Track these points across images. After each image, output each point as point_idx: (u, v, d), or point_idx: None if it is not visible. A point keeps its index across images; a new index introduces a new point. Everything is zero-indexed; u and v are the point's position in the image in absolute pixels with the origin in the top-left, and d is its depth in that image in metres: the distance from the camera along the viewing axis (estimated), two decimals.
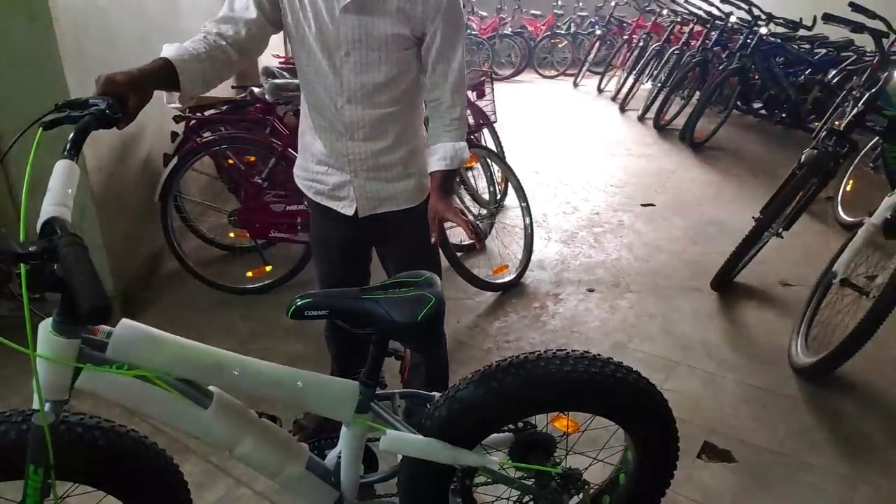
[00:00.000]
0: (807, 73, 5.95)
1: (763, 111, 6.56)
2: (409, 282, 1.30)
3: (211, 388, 1.29)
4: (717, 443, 2.21)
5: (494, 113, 3.76)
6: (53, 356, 1.12)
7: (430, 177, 1.67)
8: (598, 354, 1.43)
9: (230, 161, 3.24)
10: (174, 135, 3.47)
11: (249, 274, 3.15)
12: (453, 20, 1.58)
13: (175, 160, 3.02)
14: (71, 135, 1.12)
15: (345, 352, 1.98)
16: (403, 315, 1.23)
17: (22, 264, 0.96)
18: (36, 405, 1.17)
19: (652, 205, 4.44)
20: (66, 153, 1.10)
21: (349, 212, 1.74)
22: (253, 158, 3.21)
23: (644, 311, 3.07)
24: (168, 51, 1.40)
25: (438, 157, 1.64)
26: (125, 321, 1.19)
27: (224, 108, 3.36)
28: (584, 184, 4.86)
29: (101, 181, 2.82)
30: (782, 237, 3.08)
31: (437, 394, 1.47)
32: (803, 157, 2.99)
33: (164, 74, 1.35)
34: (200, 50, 1.43)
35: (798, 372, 2.58)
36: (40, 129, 1.11)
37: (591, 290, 3.26)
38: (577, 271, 3.47)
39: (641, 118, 6.82)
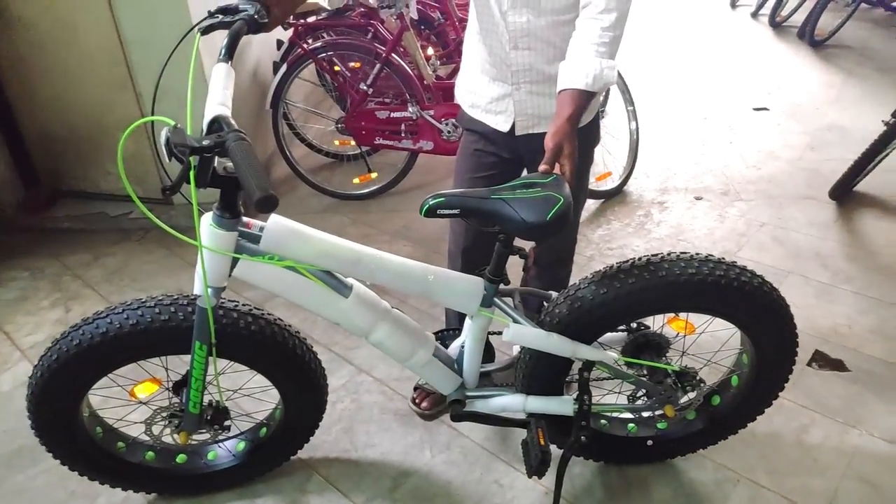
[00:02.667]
0: None
1: None
2: (538, 182, 1.31)
3: (349, 280, 1.40)
4: (828, 352, 2.18)
5: None
6: (215, 248, 1.24)
7: (559, 96, 1.33)
8: (722, 258, 1.43)
9: (336, 68, 3.28)
10: (279, 43, 3.54)
11: (356, 180, 3.26)
12: None
13: (284, 68, 3.09)
14: (225, 40, 1.19)
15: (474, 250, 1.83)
16: (533, 215, 1.24)
17: (192, 158, 1.06)
18: (197, 290, 1.32)
19: (766, 109, 4.19)
20: (222, 57, 1.18)
21: (504, 127, 1.60)
22: (359, 64, 3.23)
23: (755, 219, 2.97)
24: None
25: (577, 72, 1.31)
26: (275, 216, 1.29)
27: (326, 13, 3.38)
28: (691, 86, 4.62)
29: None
30: None
31: (554, 293, 1.52)
32: None
33: None
34: None
35: None
36: (199, 33, 1.18)
37: (698, 199, 3.17)
38: (684, 179, 3.37)
39: (755, 14, 6.30)
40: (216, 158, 1.11)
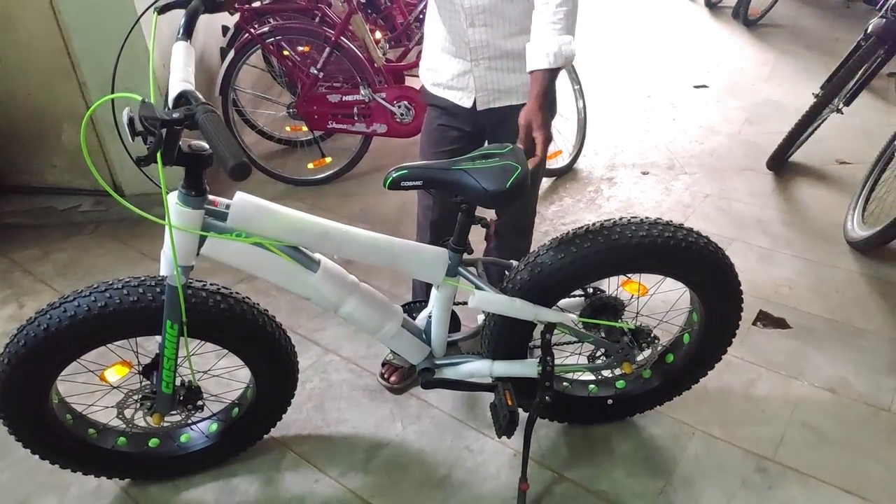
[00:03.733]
0: None
1: None
2: (495, 153, 1.37)
3: (316, 255, 1.42)
4: (771, 311, 2.31)
5: None
6: (183, 226, 1.26)
7: (530, 77, 1.44)
8: (671, 221, 1.51)
9: (285, 52, 3.26)
10: (224, 28, 3.49)
11: (311, 166, 3.25)
12: None
13: (232, 53, 3.06)
14: (182, 19, 1.20)
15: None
16: (493, 183, 1.30)
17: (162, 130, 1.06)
18: (164, 271, 1.33)
19: (705, 86, 4.35)
20: (180, 36, 1.18)
21: (467, 103, 1.67)
22: (308, 49, 3.22)
23: (699, 191, 3.10)
24: None
25: (539, 53, 1.40)
26: (241, 193, 1.31)
27: None
28: (633, 65, 4.75)
29: (165, 77, 2.89)
30: (842, 113, 3.03)
31: (514, 262, 1.58)
32: (870, 27, 2.90)
33: None
34: None
35: (853, 245, 2.63)
36: (156, 12, 1.19)
37: (645, 173, 3.29)
38: (631, 155, 3.48)
39: None
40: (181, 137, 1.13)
